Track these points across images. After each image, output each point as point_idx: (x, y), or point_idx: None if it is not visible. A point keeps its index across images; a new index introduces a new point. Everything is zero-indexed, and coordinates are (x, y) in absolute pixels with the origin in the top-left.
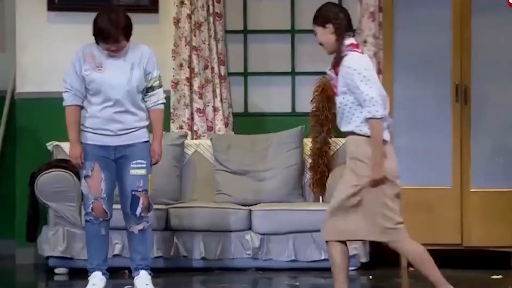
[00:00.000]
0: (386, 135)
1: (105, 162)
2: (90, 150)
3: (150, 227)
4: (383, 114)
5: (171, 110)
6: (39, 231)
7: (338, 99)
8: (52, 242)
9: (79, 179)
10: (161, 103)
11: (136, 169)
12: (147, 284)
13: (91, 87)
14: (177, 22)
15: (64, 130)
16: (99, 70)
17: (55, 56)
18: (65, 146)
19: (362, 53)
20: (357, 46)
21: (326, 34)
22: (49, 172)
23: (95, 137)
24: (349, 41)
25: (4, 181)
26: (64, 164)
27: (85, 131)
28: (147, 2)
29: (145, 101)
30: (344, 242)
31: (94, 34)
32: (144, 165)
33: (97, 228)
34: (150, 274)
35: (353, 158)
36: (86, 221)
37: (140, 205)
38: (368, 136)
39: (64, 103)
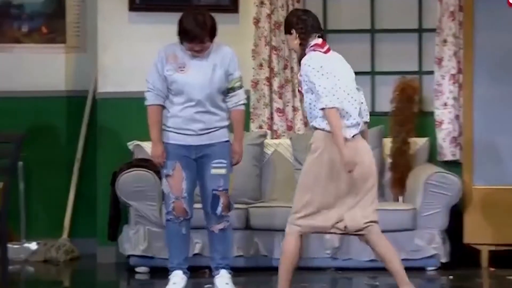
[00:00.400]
0: (347, 132)
1: (186, 161)
2: (171, 149)
3: (230, 226)
4: (337, 105)
5: (251, 110)
6: (120, 230)
7: (304, 98)
8: (133, 241)
9: (160, 178)
10: (242, 104)
11: (217, 169)
12: (227, 284)
13: (173, 88)
14: (257, 22)
15: (145, 130)
16: (182, 70)
17: (136, 56)
18: (146, 145)
19: (327, 52)
20: (321, 45)
21: (292, 40)
22: (130, 171)
23: (176, 137)
24: (314, 41)
25: (86, 181)
26: (144, 163)
27: (167, 130)
28: (227, 2)
29: (226, 102)
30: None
31: (179, 34)
32: (225, 165)
33: (178, 227)
34: (230, 273)
35: (308, 150)
36: (167, 220)
37: (221, 204)
38: (326, 131)
39: (146, 103)
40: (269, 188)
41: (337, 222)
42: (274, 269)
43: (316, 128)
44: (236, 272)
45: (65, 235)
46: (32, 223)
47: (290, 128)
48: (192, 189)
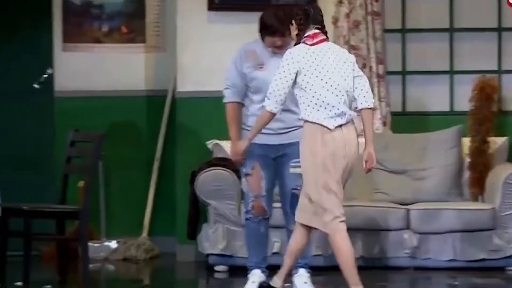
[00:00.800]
0: (331, 123)
1: (266, 160)
2: (251, 148)
3: None
4: (274, 110)
5: None
6: (199, 229)
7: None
8: (212, 239)
9: (239, 177)
10: None
11: (296, 168)
12: (305, 283)
13: (252, 85)
14: (335, 21)
15: (224, 129)
16: (261, 68)
17: (215, 56)
18: (225, 144)
19: (318, 43)
20: (312, 36)
21: (293, 31)
22: (209, 170)
23: (256, 136)
24: (308, 33)
25: (165, 180)
26: (223, 162)
27: (247, 130)
28: (305, 2)
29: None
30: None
31: (260, 30)
32: None
33: (257, 226)
34: (309, 272)
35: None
36: (246, 219)
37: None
38: (310, 122)
39: (224, 100)
40: (348, 187)
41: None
42: None
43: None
44: (314, 271)
45: (144, 233)
46: (112, 222)
47: None
48: (271, 188)
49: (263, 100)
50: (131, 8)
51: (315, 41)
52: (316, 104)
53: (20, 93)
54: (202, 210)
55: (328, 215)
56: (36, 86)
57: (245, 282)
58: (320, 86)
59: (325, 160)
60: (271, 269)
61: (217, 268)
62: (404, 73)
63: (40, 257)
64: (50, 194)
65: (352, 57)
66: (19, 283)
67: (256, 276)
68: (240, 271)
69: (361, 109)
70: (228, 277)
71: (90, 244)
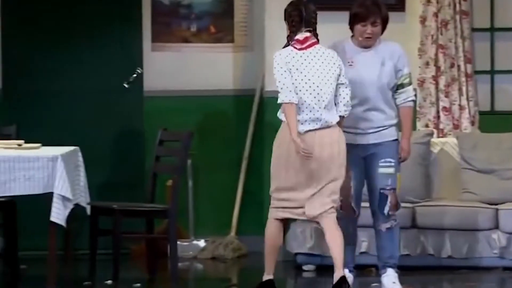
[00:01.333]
0: (304, 126)
1: (354, 160)
2: None
3: (397, 225)
4: (293, 100)
5: (417, 108)
6: (287, 228)
7: None
8: (300, 239)
9: None
10: (411, 101)
11: (385, 168)
12: (394, 282)
13: None
14: (423, 20)
15: None
16: (350, 65)
17: None
18: None
19: (307, 48)
20: (301, 41)
21: (287, 30)
22: None
23: (345, 136)
24: (298, 36)
25: (253, 178)
26: None
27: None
28: (394, 1)
29: (395, 98)
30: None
31: (350, 20)
32: (393, 164)
33: (345, 225)
34: (397, 272)
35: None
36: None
37: (388, 203)
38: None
39: None
40: (436, 187)
41: (299, 208)
42: (442, 268)
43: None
44: (402, 270)
45: (232, 232)
46: (201, 221)
47: (456, 127)
48: (360, 188)
49: (353, 99)
50: (219, 8)
51: (304, 46)
52: (296, 105)
53: (111, 93)
54: None
55: (275, 202)
56: (125, 85)
57: (333, 282)
58: (304, 89)
59: (289, 158)
60: (359, 269)
61: (305, 267)
62: (492, 72)
63: (129, 256)
64: (138, 193)
65: (340, 62)
66: (109, 281)
67: None
68: (328, 271)
69: (341, 116)
70: (316, 276)
71: (178, 242)
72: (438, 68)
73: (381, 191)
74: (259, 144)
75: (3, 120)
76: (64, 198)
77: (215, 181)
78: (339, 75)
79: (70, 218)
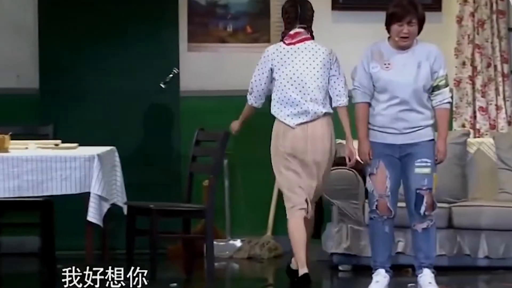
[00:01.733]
0: (294, 121)
1: (390, 160)
2: (375, 148)
3: (434, 225)
4: (254, 104)
5: (454, 108)
6: (323, 228)
7: None
8: (336, 239)
9: (362, 177)
10: (447, 103)
11: (421, 168)
12: (430, 283)
13: (378, 85)
14: (460, 20)
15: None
16: (386, 67)
17: (339, 55)
18: None
19: (296, 43)
20: (291, 36)
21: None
22: (333, 169)
23: (380, 135)
24: (291, 31)
25: None
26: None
27: (371, 129)
28: (430, 1)
29: (431, 100)
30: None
31: (386, 21)
32: (429, 164)
33: (381, 226)
34: (433, 273)
35: None
36: (370, 218)
37: (424, 203)
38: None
39: (354, 100)
40: (472, 187)
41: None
42: (479, 269)
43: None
44: (439, 271)
45: (269, 232)
46: (237, 221)
47: (493, 127)
48: (396, 188)
49: (389, 100)
50: (256, 8)
51: (293, 41)
52: (282, 101)
53: (147, 93)
54: (326, 209)
55: (288, 203)
56: (162, 86)
57: (369, 282)
58: (289, 84)
59: (286, 155)
60: (395, 269)
61: (341, 267)
62: None
63: (166, 255)
64: (175, 193)
65: (331, 57)
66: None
67: (380, 275)
68: (364, 271)
69: (335, 107)
70: (352, 277)
71: (215, 242)
72: (474, 68)
73: (417, 191)
74: None
75: (40, 120)
76: (101, 198)
77: (251, 181)
78: (329, 68)
79: (107, 218)
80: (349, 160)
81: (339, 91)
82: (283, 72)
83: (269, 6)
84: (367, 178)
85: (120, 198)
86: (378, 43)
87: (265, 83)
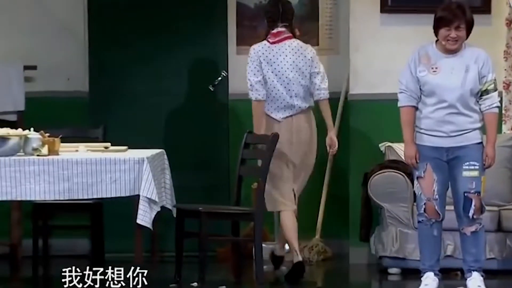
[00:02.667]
0: (278, 114)
1: (437, 163)
2: (423, 151)
3: (483, 229)
4: (259, 98)
5: (503, 111)
6: (372, 231)
7: None
8: (385, 242)
9: (411, 180)
10: (495, 107)
11: (469, 171)
12: (479, 286)
13: (425, 89)
14: (509, 23)
15: (396, 132)
16: (434, 71)
17: (388, 58)
18: (397, 147)
19: (279, 42)
20: (275, 35)
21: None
22: (381, 173)
23: (428, 138)
24: (274, 30)
25: (338, 182)
26: (396, 165)
27: (419, 132)
28: (479, 3)
29: (479, 104)
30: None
31: (434, 25)
32: (477, 167)
33: (430, 229)
34: (482, 276)
35: None
36: (419, 221)
37: (473, 207)
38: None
39: (399, 104)
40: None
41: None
42: None
43: None
44: (488, 274)
45: (317, 235)
46: None
47: None
48: (444, 191)
49: (436, 103)
50: (304, 11)
51: (276, 39)
52: (270, 95)
53: (196, 95)
54: (374, 212)
55: (278, 195)
56: (211, 88)
57: (418, 285)
58: (275, 80)
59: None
60: (444, 272)
61: (390, 270)
62: None
63: (215, 258)
64: (224, 196)
65: (312, 54)
66: (194, 284)
67: (429, 279)
68: (413, 274)
69: (316, 100)
70: (401, 280)
71: (264, 245)
72: None
73: (466, 194)
74: (344, 146)
75: (90, 122)
76: (150, 201)
77: None
78: (310, 66)
79: (156, 220)
80: (330, 148)
81: (319, 85)
82: (269, 69)
83: (317, 9)
84: (415, 181)
85: (169, 201)
86: (426, 46)
87: (260, 74)
